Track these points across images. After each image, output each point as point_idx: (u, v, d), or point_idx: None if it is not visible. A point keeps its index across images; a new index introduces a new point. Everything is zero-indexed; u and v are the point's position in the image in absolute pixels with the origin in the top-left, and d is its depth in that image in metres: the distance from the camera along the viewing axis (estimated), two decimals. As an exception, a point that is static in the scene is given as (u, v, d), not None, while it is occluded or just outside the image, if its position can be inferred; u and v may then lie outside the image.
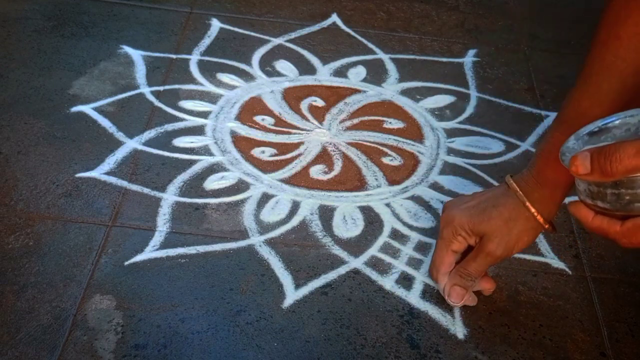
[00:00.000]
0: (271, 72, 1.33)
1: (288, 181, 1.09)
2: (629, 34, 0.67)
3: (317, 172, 1.11)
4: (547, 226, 0.81)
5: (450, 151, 1.19)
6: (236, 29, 1.43)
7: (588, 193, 0.60)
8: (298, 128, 1.20)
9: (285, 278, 0.93)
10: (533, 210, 0.80)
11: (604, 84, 0.70)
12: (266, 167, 1.11)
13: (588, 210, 0.62)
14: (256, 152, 1.14)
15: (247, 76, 1.31)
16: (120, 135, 1.13)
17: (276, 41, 1.41)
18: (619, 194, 0.57)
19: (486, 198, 0.84)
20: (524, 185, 0.80)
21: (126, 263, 0.93)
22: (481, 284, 0.91)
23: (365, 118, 1.24)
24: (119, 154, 1.10)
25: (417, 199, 1.08)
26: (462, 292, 0.89)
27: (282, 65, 1.34)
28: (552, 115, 1.29)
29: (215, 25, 1.43)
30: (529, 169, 0.80)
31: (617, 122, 0.62)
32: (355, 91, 1.30)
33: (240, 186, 1.07)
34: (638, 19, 0.66)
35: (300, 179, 1.10)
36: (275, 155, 1.14)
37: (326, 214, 1.04)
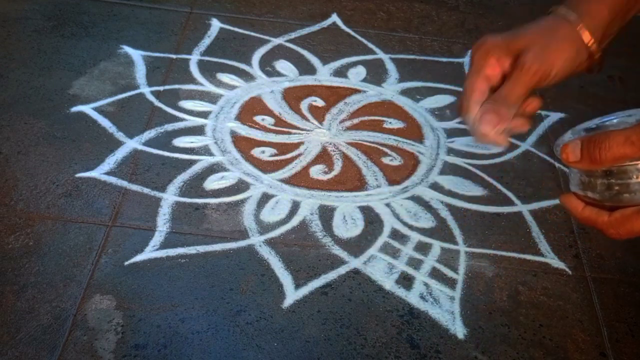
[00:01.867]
0: (271, 72, 1.33)
1: (288, 181, 1.09)
2: None
3: (317, 172, 1.11)
4: (592, 44, 0.69)
5: (450, 151, 1.19)
6: (236, 29, 1.43)
7: (579, 183, 0.61)
8: (298, 128, 1.20)
9: (285, 278, 0.93)
10: (580, 25, 0.68)
11: None
12: (266, 167, 1.11)
13: (578, 201, 0.62)
14: (256, 152, 1.14)
15: (247, 76, 1.31)
16: (120, 135, 1.13)
17: (276, 41, 1.41)
18: (609, 184, 0.58)
19: (526, 25, 0.74)
20: (572, 8, 0.69)
21: (126, 263, 0.93)
22: (524, 107, 0.82)
23: (365, 118, 1.24)
24: (119, 154, 1.10)
25: (417, 199, 1.08)
26: (494, 118, 0.72)
27: (282, 65, 1.34)
28: (552, 115, 1.29)
29: (215, 25, 1.43)
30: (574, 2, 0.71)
31: (615, 120, 0.62)
32: (355, 91, 1.30)
33: (240, 186, 1.07)
34: None
35: (300, 179, 1.10)
36: (275, 155, 1.14)
37: (326, 214, 1.04)
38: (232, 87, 1.27)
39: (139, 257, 0.94)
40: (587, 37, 0.68)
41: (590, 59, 0.69)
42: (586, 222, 0.63)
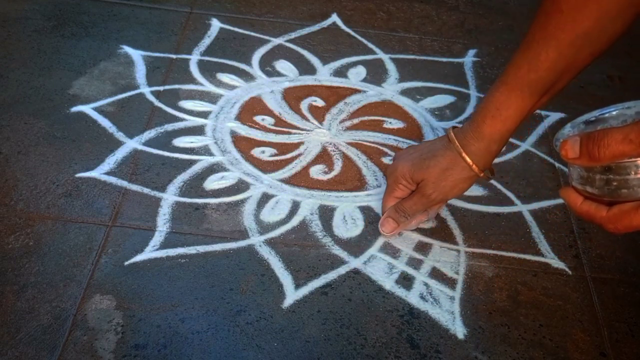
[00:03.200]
0: (271, 72, 1.33)
1: (288, 181, 1.09)
2: (569, 6, 0.73)
3: (317, 172, 1.11)
4: (482, 174, 0.89)
5: (450, 151, 1.19)
6: (236, 29, 1.43)
7: (578, 178, 0.61)
8: (298, 128, 1.20)
9: (285, 278, 0.93)
10: (469, 160, 0.87)
11: (542, 52, 0.76)
12: (266, 167, 1.11)
13: (577, 195, 0.64)
14: (256, 152, 1.14)
15: (247, 76, 1.31)
16: (120, 135, 1.13)
17: (276, 41, 1.41)
18: (608, 179, 0.58)
19: (427, 149, 0.92)
20: (462, 138, 0.87)
21: (126, 263, 0.93)
22: (417, 219, 0.99)
23: (365, 118, 1.24)
24: (119, 154, 1.10)
25: (417, 199, 1.08)
26: (393, 225, 0.98)
27: (282, 65, 1.34)
28: (552, 115, 1.29)
29: (215, 25, 1.43)
30: (469, 124, 0.87)
31: (614, 112, 0.63)
32: (355, 91, 1.30)
33: (240, 186, 1.07)
34: None
35: (300, 179, 1.10)
36: (275, 155, 1.14)
37: (326, 214, 1.04)
38: (232, 87, 1.27)
39: (139, 257, 0.94)
40: (477, 171, 0.88)
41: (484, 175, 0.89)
42: (585, 216, 0.64)
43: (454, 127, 0.90)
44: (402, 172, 0.93)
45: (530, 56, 0.77)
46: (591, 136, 0.58)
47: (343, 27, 1.48)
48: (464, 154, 0.87)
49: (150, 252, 0.95)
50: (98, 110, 1.18)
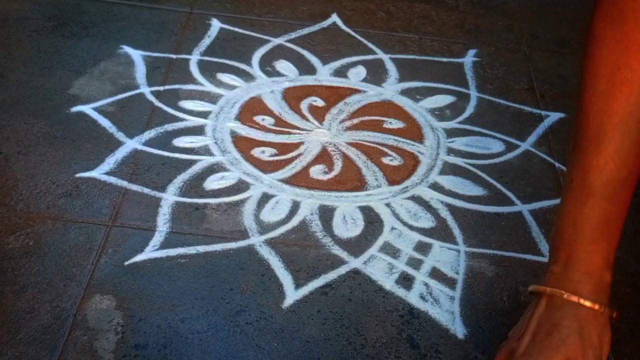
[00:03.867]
0: (271, 72, 1.33)
1: (288, 181, 1.09)
2: (637, 76, 0.58)
3: (317, 172, 1.11)
4: (614, 314, 0.66)
5: (450, 151, 1.19)
6: (236, 29, 1.43)
7: None
8: (298, 128, 1.20)
9: (285, 278, 0.93)
10: (597, 306, 0.64)
11: (625, 140, 0.59)
12: (266, 167, 1.11)
13: None
14: (256, 152, 1.14)
15: (247, 76, 1.31)
16: (120, 135, 1.13)
17: (276, 41, 1.41)
18: None
19: (537, 327, 0.66)
20: (567, 285, 0.65)
21: (126, 263, 0.93)
22: None
23: (365, 118, 1.24)
24: (119, 154, 1.10)
25: (417, 199, 1.08)
26: None
27: (282, 65, 1.34)
28: (552, 115, 1.29)
29: (215, 25, 1.43)
30: (563, 264, 0.65)
31: None
32: (355, 91, 1.30)
33: (240, 186, 1.07)
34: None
35: (300, 179, 1.10)
36: (275, 155, 1.14)
37: (326, 214, 1.04)
38: (232, 87, 1.27)
39: (139, 257, 0.94)
40: (609, 311, 0.65)
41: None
42: None
43: (535, 288, 0.68)
44: None
45: (611, 150, 0.60)
46: None
47: (343, 27, 1.48)
48: (585, 302, 0.63)
49: (150, 252, 0.95)
50: (98, 110, 1.18)
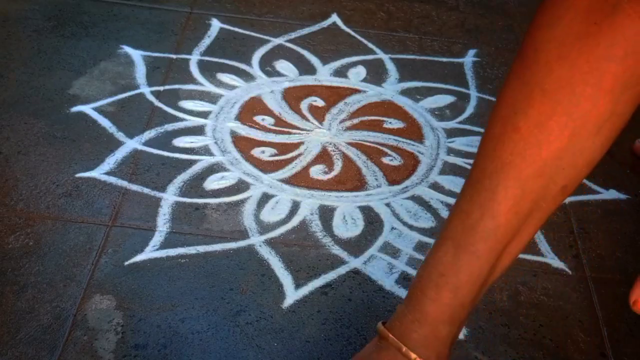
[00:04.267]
0: (271, 72, 1.33)
1: (288, 181, 1.09)
2: (529, 125, 0.53)
3: (317, 172, 1.11)
4: None
5: (450, 151, 1.19)
6: (236, 29, 1.43)
7: None
8: (298, 128, 1.20)
9: (285, 278, 0.93)
10: (413, 356, 0.60)
11: (500, 190, 0.55)
12: (266, 167, 1.11)
13: None
14: (256, 152, 1.14)
15: (247, 76, 1.31)
16: (120, 135, 1.13)
17: (276, 41, 1.41)
18: None
19: None
20: (398, 326, 0.61)
21: (126, 263, 0.93)
22: None
23: (365, 118, 1.24)
24: (119, 154, 1.10)
25: (417, 199, 1.08)
26: None
27: (282, 65, 1.34)
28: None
29: (215, 25, 1.43)
30: (405, 304, 0.62)
31: None
32: (355, 91, 1.30)
33: (240, 186, 1.07)
34: (540, 108, 0.52)
35: (300, 179, 1.10)
36: (275, 155, 1.14)
37: (326, 214, 1.04)
38: (232, 87, 1.27)
39: (139, 257, 0.94)
40: (415, 359, 0.60)
41: None
42: None
43: (383, 323, 0.64)
44: None
45: (482, 199, 0.56)
46: None
47: (343, 27, 1.48)
48: (404, 349, 0.60)
49: (150, 252, 0.95)
50: (98, 110, 1.18)
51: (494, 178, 0.55)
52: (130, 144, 1.12)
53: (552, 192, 0.54)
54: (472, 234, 0.56)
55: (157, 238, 0.96)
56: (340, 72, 1.35)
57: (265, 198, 1.05)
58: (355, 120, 1.23)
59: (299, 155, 1.14)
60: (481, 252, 0.56)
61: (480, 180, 0.56)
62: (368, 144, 1.18)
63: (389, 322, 0.63)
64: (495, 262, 0.57)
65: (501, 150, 0.54)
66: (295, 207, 1.04)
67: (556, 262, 1.00)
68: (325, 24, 1.48)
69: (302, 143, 1.17)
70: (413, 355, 0.60)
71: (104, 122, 1.15)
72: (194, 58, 1.33)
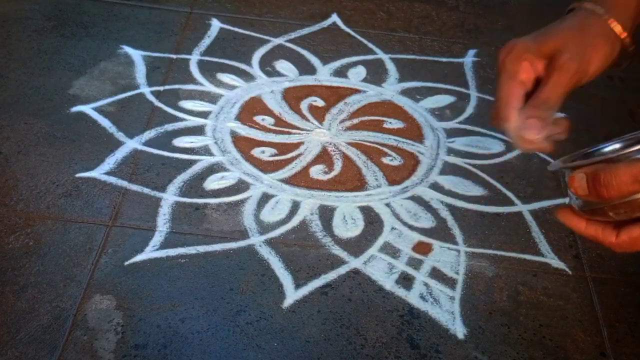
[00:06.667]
0: (271, 72, 1.33)
1: (288, 181, 1.09)
2: None
3: (317, 172, 1.11)
4: (625, 36, 0.67)
5: (450, 151, 1.19)
6: (236, 29, 1.43)
7: (583, 205, 0.60)
8: (298, 128, 1.20)
9: (285, 278, 0.93)
10: (608, 18, 0.67)
11: None
12: (266, 167, 1.11)
13: (579, 218, 0.60)
14: (256, 152, 1.14)
15: (247, 76, 1.31)
16: (120, 135, 1.13)
17: (276, 41, 1.41)
18: (617, 212, 0.57)
19: (551, 24, 0.71)
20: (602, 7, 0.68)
21: (126, 263, 0.93)
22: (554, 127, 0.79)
23: (365, 118, 1.24)
24: (119, 154, 1.10)
25: (417, 199, 1.08)
26: (538, 123, 0.69)
27: (282, 65, 1.34)
28: (552, 115, 1.29)
29: (215, 25, 1.43)
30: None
31: (612, 147, 0.62)
32: (355, 91, 1.30)
33: (240, 186, 1.07)
34: None
35: (300, 179, 1.10)
36: (275, 155, 1.14)
37: (326, 214, 1.04)
38: (232, 87, 1.27)
39: (139, 257, 0.94)
40: (619, 30, 0.66)
41: (622, 52, 0.67)
42: (591, 239, 0.61)
43: (576, 4, 0.70)
44: (524, 45, 0.70)
45: None
46: (597, 177, 0.55)
47: (343, 27, 1.48)
48: (597, 7, 0.66)
49: (150, 252, 0.95)
50: (98, 110, 1.18)
51: None
52: (130, 144, 1.12)
53: None
54: None
55: (157, 238, 0.96)
56: (340, 72, 1.35)
57: (265, 198, 1.05)
58: (355, 120, 1.23)
59: (299, 155, 1.14)
60: None
61: None
62: (368, 144, 1.18)
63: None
64: None
65: None
66: (295, 207, 1.04)
67: (556, 262, 1.00)
68: (325, 24, 1.48)
69: (302, 143, 1.17)
70: (607, 17, 0.66)
71: (104, 122, 1.15)
72: (194, 58, 1.33)
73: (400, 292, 0.93)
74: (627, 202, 0.56)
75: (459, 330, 0.89)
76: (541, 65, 0.68)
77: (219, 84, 1.28)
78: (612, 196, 0.56)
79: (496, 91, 0.70)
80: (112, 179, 1.05)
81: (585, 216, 0.61)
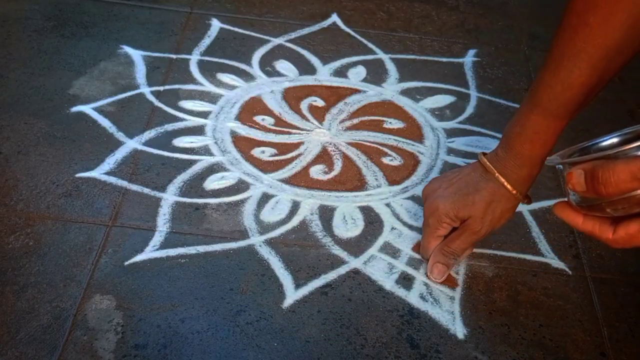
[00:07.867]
0: (271, 72, 1.33)
1: (288, 181, 1.09)
2: (598, 21, 0.70)
3: (317, 172, 1.11)
4: (525, 200, 0.89)
5: (450, 151, 1.19)
6: (236, 29, 1.43)
7: (581, 201, 0.60)
8: (298, 128, 1.20)
9: (285, 278, 0.93)
10: (515, 191, 0.86)
11: (575, 69, 0.73)
12: (266, 167, 1.11)
13: (576, 213, 0.62)
14: (256, 152, 1.14)
15: (247, 76, 1.31)
16: (120, 135, 1.13)
17: (276, 41, 1.41)
18: (614, 208, 0.57)
19: (465, 183, 0.89)
20: (501, 167, 0.86)
21: (126, 263, 0.93)
22: (464, 255, 0.97)
23: (365, 118, 1.24)
24: (119, 154, 1.10)
25: (417, 199, 1.08)
26: (443, 269, 0.94)
27: (282, 65, 1.34)
28: (552, 115, 1.29)
29: (215, 25, 1.43)
30: (504, 151, 0.85)
31: (610, 141, 0.62)
32: (355, 91, 1.30)
33: (240, 186, 1.07)
34: (605, 8, 0.70)
35: (300, 179, 1.10)
36: (275, 155, 1.14)
37: (326, 214, 1.04)
38: (232, 87, 1.27)
39: (139, 257, 0.94)
40: (522, 198, 0.89)
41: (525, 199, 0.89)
42: (588, 234, 0.63)
43: (483, 154, 0.88)
44: (444, 211, 0.90)
45: (562, 75, 0.75)
46: (595, 174, 0.56)
47: (343, 27, 1.48)
48: (507, 185, 0.85)
49: (150, 252, 0.95)
50: (98, 110, 1.18)
51: (571, 60, 0.73)
52: (130, 144, 1.12)
53: (613, 67, 0.74)
54: (556, 103, 0.77)
55: (157, 238, 0.97)
56: (340, 72, 1.35)
57: (265, 198, 1.05)
58: (355, 120, 1.23)
59: (299, 155, 1.14)
60: (562, 115, 0.79)
61: (561, 62, 0.75)
62: (368, 144, 1.18)
63: (488, 161, 0.87)
64: (568, 122, 0.81)
65: (576, 39, 0.73)
66: (295, 207, 1.04)
67: (556, 262, 1.00)
68: (325, 24, 1.48)
69: (302, 143, 1.17)
70: (513, 190, 0.87)
71: (104, 122, 1.15)
72: (194, 58, 1.33)
73: (400, 292, 0.93)
74: (625, 199, 0.56)
75: (459, 330, 0.89)
76: (457, 224, 0.91)
77: (219, 84, 1.28)
78: (610, 193, 0.56)
79: (422, 237, 0.96)
80: (112, 179, 1.05)
81: (583, 211, 0.61)
